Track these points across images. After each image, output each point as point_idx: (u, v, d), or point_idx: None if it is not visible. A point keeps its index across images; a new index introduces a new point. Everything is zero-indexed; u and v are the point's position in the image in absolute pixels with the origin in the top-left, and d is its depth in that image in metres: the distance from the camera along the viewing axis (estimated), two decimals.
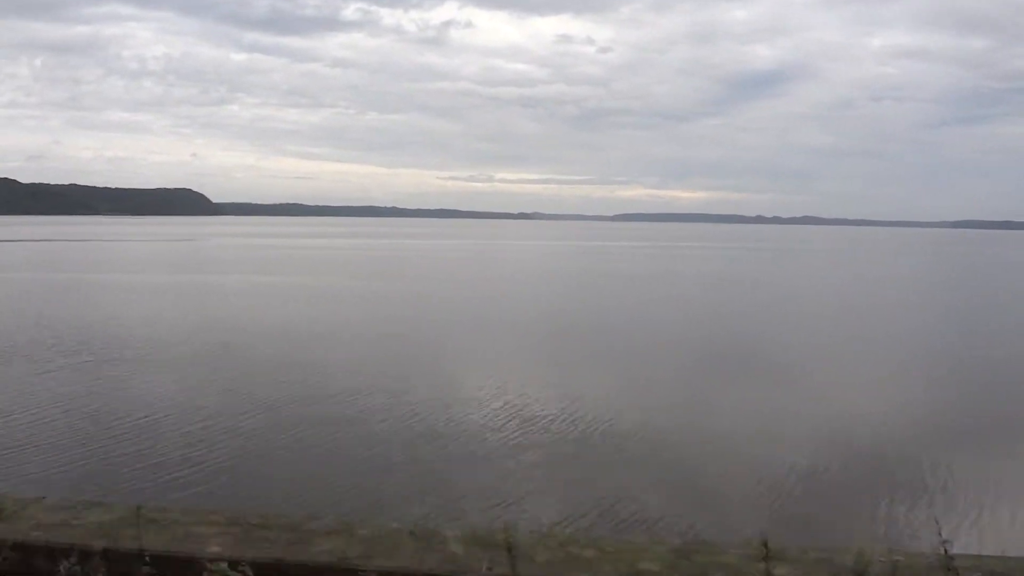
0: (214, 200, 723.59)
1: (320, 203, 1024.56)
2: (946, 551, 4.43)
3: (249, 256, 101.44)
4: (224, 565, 3.07)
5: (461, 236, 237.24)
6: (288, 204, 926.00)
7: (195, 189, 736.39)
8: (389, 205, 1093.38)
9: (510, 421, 22.52)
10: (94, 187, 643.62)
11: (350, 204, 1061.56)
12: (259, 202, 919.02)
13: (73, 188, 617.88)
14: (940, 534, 4.83)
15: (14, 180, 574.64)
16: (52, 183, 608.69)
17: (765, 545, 3.49)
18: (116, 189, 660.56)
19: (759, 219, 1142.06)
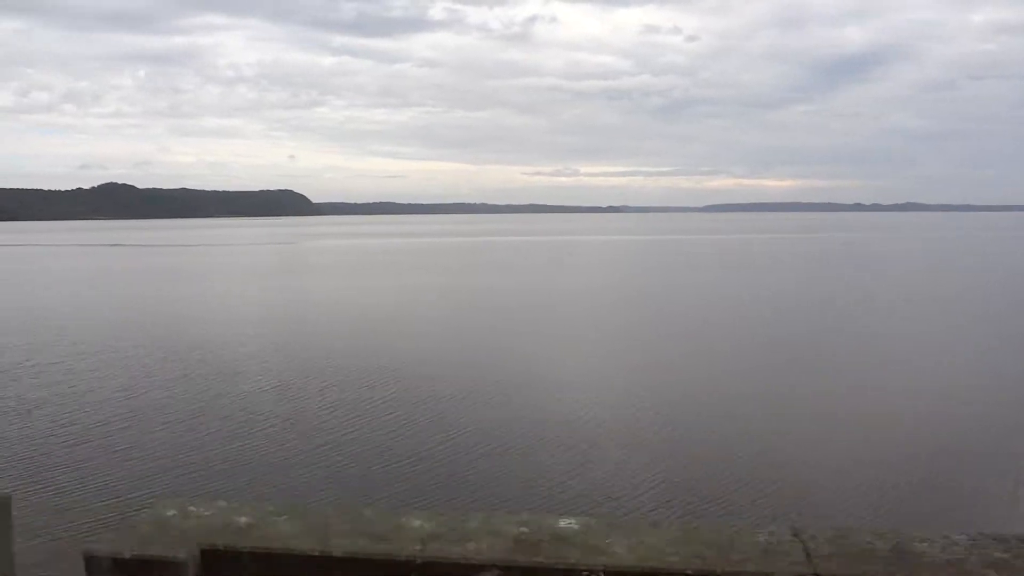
0: (314, 201, 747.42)
1: (411, 201, 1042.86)
2: None
3: (415, 259, 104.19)
4: None
5: (573, 232, 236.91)
6: (381, 203, 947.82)
7: (295, 190, 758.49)
8: (479, 202, 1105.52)
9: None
10: (203, 190, 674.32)
11: (440, 201, 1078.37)
12: (353, 201, 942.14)
13: (183, 192, 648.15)
14: None
15: (132, 186, 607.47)
16: (164, 188, 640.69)
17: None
18: (223, 192, 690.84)
19: (857, 207, 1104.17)
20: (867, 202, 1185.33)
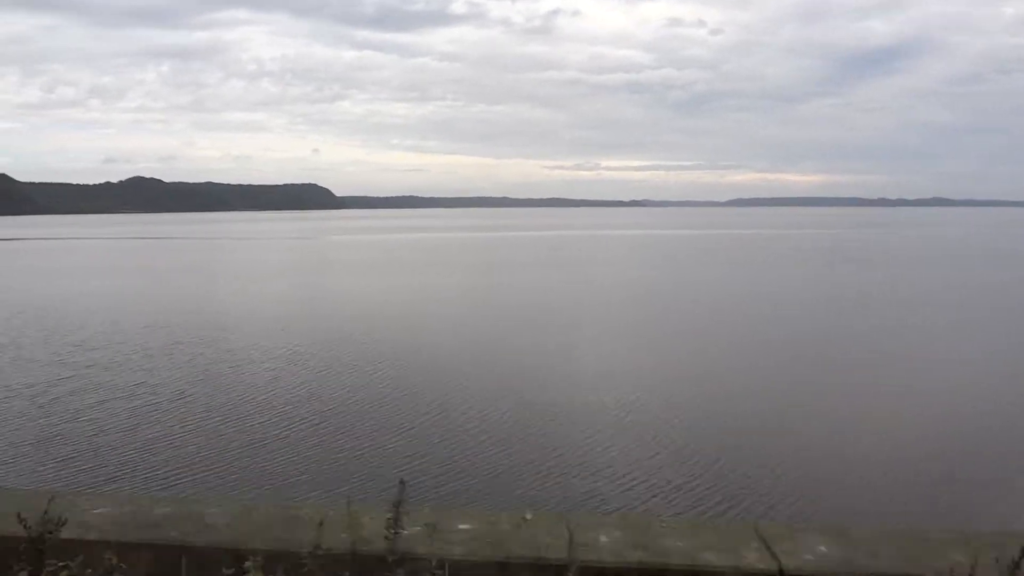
0: (337, 195, 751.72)
1: (433, 195, 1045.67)
2: None
3: (456, 256, 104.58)
4: None
5: (601, 226, 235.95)
6: (404, 197, 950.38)
7: (318, 184, 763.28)
8: (500, 195, 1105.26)
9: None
10: (228, 184, 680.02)
11: (462, 195, 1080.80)
12: (375, 195, 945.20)
13: (209, 186, 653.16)
14: None
15: (159, 180, 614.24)
16: (190, 182, 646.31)
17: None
18: (247, 186, 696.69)
19: (883, 201, 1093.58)
20: (892, 197, 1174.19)
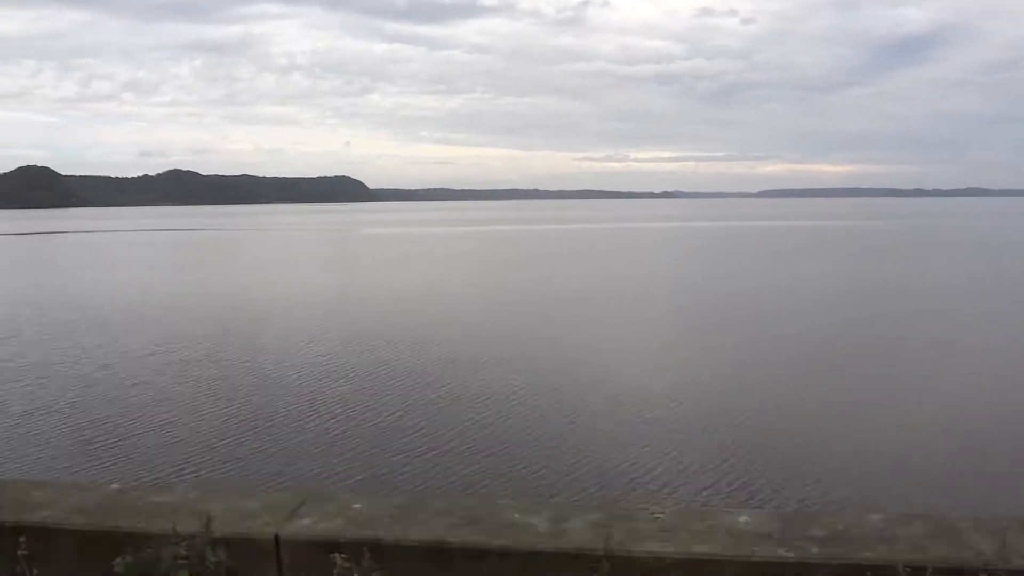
0: (371, 187, 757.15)
1: (463, 187, 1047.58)
2: None
3: (517, 249, 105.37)
4: None
5: (638, 219, 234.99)
6: (435, 189, 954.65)
7: (352, 177, 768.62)
8: (531, 187, 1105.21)
9: None
10: (264, 177, 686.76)
11: (493, 187, 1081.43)
12: (407, 187, 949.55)
13: (245, 179, 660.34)
14: None
15: (196, 173, 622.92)
16: (225, 175, 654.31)
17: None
18: (282, 179, 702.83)
19: (918, 192, 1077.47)
20: (928, 187, 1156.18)
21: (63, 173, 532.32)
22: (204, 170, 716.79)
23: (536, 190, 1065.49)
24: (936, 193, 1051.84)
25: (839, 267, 66.63)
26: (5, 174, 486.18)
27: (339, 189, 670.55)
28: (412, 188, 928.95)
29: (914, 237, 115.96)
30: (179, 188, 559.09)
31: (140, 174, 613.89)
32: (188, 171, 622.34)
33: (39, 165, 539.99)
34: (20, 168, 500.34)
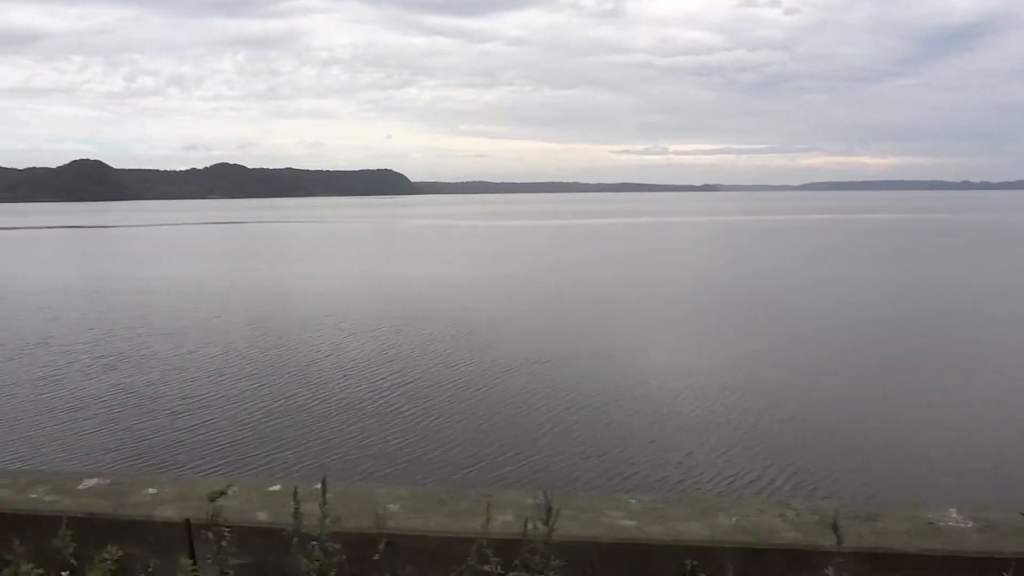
0: (412, 180, 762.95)
1: (502, 180, 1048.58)
2: None
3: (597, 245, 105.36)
4: None
5: (684, 212, 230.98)
6: (474, 182, 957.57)
7: (393, 170, 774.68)
8: (570, 180, 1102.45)
9: None
10: (307, 170, 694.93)
11: (532, 180, 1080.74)
12: (446, 180, 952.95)
13: (289, 172, 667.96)
14: None
15: (242, 166, 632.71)
16: (270, 168, 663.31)
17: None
18: (325, 172, 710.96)
19: (965, 184, 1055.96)
20: (975, 180, 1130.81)
21: (116, 167, 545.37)
22: (249, 163, 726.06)
23: (575, 183, 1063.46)
24: (984, 186, 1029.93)
25: (895, 267, 64.36)
26: (60, 167, 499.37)
27: (382, 182, 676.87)
28: (452, 181, 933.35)
29: (972, 232, 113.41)
30: (227, 181, 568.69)
31: (187, 167, 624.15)
32: (235, 164, 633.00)
33: (91, 159, 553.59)
34: (74, 161, 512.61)
